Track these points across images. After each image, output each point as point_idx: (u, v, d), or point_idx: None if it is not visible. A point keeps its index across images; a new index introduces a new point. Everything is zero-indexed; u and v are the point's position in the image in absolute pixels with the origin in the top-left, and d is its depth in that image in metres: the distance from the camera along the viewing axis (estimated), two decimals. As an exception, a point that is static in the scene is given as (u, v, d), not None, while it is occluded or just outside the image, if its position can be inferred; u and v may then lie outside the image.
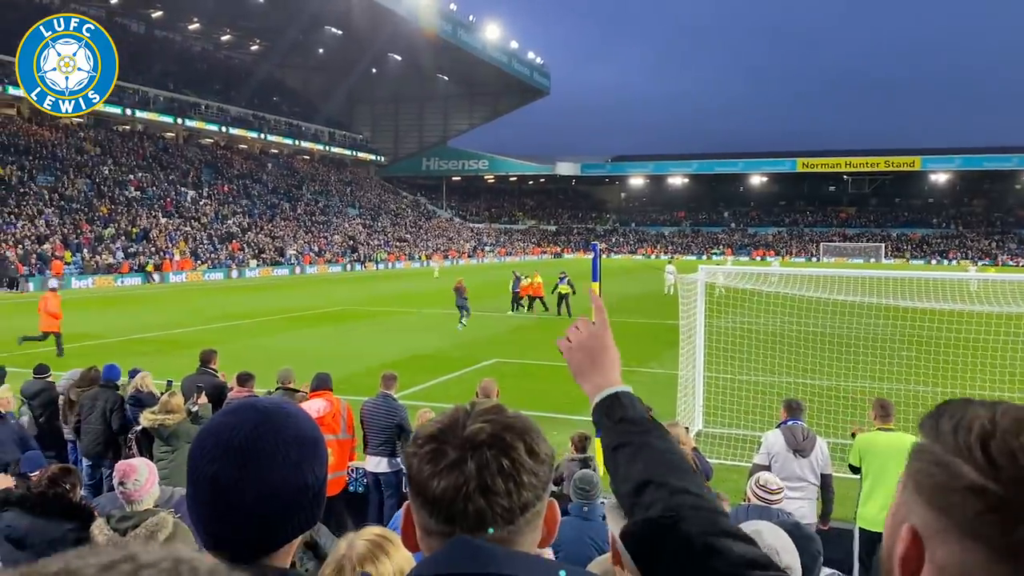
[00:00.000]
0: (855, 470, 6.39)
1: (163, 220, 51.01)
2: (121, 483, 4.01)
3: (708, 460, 6.98)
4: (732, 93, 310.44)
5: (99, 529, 3.56)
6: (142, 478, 4.02)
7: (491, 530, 1.04)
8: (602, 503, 4.68)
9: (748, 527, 2.22)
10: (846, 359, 13.54)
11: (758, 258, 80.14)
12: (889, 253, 79.85)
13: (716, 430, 10.78)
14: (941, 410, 0.85)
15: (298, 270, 53.68)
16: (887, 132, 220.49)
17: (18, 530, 3.83)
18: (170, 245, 47.61)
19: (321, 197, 73.40)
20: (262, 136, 73.28)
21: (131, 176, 54.63)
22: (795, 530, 2.87)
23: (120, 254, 43.71)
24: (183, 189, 57.80)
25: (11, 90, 46.79)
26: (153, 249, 46.00)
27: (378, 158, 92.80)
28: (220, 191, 61.36)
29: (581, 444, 7.20)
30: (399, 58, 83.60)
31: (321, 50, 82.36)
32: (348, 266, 58.67)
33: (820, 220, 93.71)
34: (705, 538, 1.16)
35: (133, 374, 8.78)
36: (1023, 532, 0.74)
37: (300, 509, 1.27)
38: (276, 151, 77.67)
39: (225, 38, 79.19)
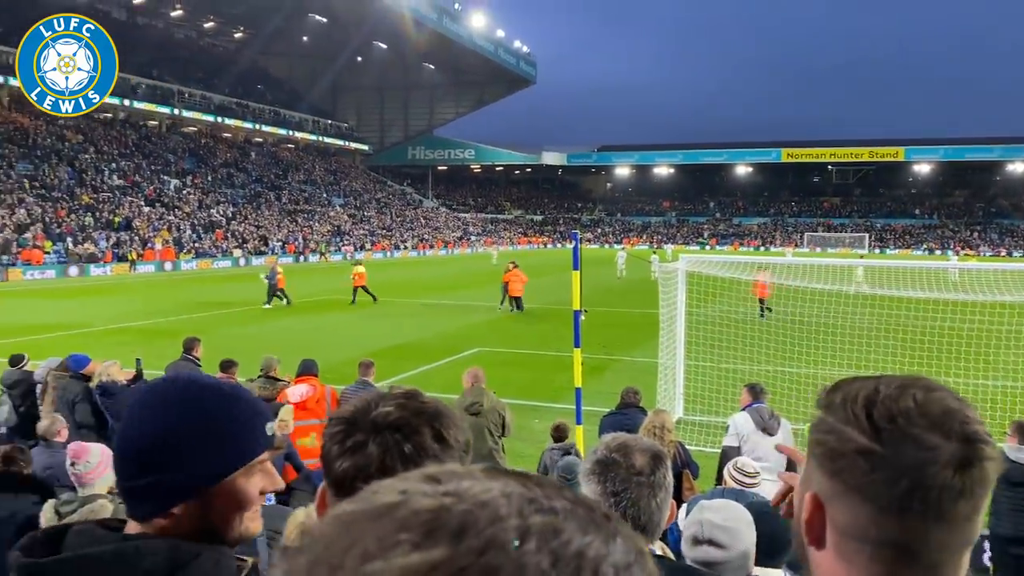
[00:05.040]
0: None
1: (146, 209, 50.58)
2: (72, 463, 3.94)
3: (689, 448, 6.99)
4: (718, 84, 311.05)
5: (46, 511, 3.48)
6: (93, 460, 3.92)
7: None
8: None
9: (716, 502, 2.28)
10: (824, 347, 13.63)
11: (739, 248, 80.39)
12: (872, 244, 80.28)
13: (696, 417, 10.86)
14: (835, 386, 0.94)
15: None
16: (872, 123, 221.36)
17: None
18: (152, 235, 47.23)
19: (306, 186, 72.96)
20: (246, 124, 72.67)
21: (113, 165, 54.10)
22: (762, 507, 2.95)
23: (103, 243, 43.32)
24: (166, 178, 57.28)
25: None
26: (136, 239, 45.63)
27: (364, 147, 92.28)
28: (204, 180, 60.89)
29: (558, 434, 7.20)
30: (384, 46, 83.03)
31: (305, 38, 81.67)
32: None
33: (804, 210, 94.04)
34: None
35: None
36: (904, 486, 0.84)
37: (157, 464, 1.15)
38: (260, 140, 77.05)
39: (208, 25, 78.33)
